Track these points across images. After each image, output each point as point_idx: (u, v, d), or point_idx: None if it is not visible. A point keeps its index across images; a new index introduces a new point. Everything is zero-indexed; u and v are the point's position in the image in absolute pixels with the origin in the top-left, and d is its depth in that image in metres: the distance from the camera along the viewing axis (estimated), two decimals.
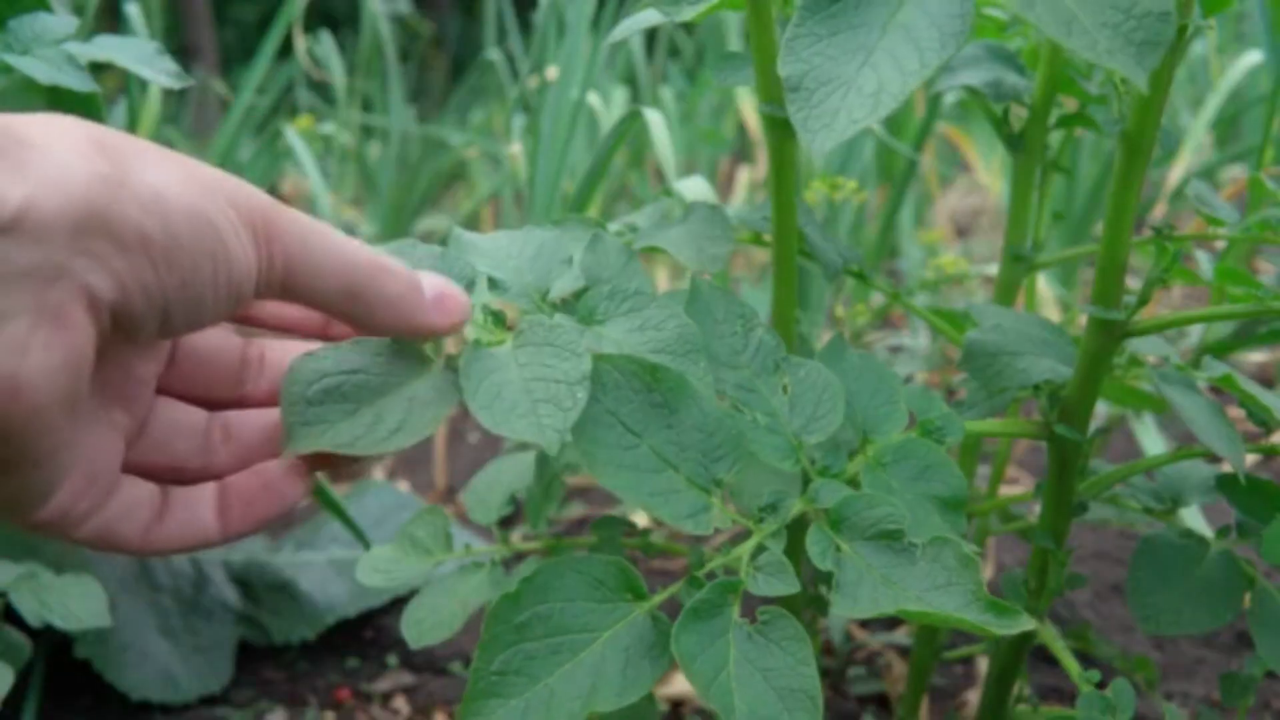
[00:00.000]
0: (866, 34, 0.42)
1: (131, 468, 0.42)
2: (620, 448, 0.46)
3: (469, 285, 0.48)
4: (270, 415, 0.44)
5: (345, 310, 0.41)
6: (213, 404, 0.45)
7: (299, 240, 0.39)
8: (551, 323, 0.46)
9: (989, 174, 2.15)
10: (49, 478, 0.36)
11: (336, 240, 0.40)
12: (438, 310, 0.43)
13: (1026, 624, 0.43)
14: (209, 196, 0.36)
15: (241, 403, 0.46)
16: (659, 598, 0.46)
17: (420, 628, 0.61)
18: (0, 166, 0.31)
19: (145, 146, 0.36)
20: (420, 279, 0.43)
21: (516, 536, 1.16)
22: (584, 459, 0.45)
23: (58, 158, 0.32)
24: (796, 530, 0.50)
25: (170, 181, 0.35)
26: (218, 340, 0.45)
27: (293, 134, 1.76)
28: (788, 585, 0.45)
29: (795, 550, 0.49)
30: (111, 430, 0.41)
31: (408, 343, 0.45)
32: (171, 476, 0.43)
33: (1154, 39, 0.40)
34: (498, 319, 0.47)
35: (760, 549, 0.47)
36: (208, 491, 0.43)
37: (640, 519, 1.13)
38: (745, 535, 0.48)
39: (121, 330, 0.35)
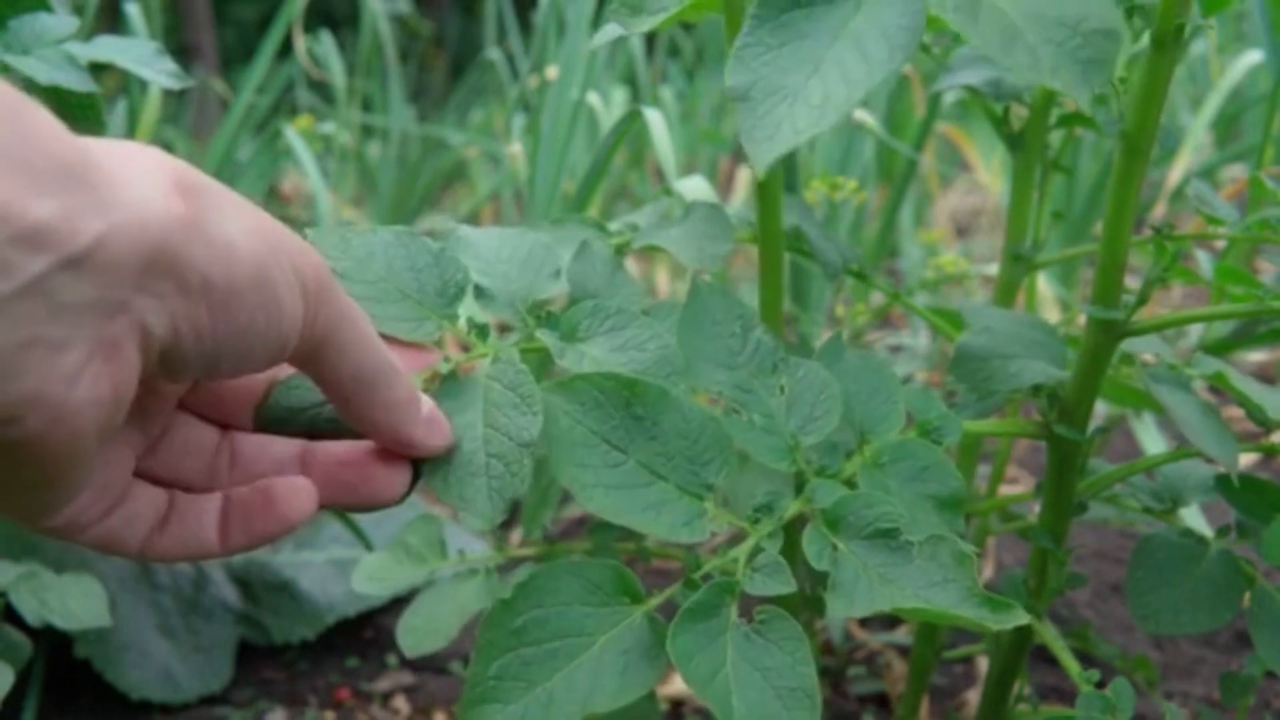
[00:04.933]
0: (815, 44, 0.41)
1: (143, 477, 0.42)
2: (607, 466, 0.46)
3: (459, 292, 0.48)
4: (281, 445, 0.44)
5: (350, 395, 0.41)
6: (226, 425, 0.45)
7: (339, 314, 0.39)
8: (520, 366, 0.46)
9: (989, 174, 2.15)
10: (67, 495, 0.36)
11: (368, 328, 0.41)
12: (429, 427, 0.43)
13: (1022, 618, 0.43)
14: (274, 253, 0.36)
15: (252, 430, 0.45)
16: (656, 600, 0.46)
17: (416, 635, 0.61)
18: (77, 199, 0.31)
19: (223, 192, 0.36)
20: (419, 395, 0.43)
21: (514, 538, 1.16)
22: (571, 485, 0.45)
23: (137, 195, 0.32)
24: (793, 531, 0.50)
25: (242, 232, 0.35)
26: None
27: (292, 134, 1.76)
28: (784, 585, 0.45)
29: (792, 551, 0.49)
30: (128, 444, 0.41)
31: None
32: (180, 489, 0.43)
33: (1099, 57, 0.40)
34: (482, 332, 0.47)
35: (757, 550, 0.47)
36: (212, 503, 0.43)
37: None
38: (739, 536, 0.48)
39: (167, 369, 0.35)
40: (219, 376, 0.37)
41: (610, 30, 0.56)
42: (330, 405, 0.44)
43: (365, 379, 0.40)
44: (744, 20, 0.43)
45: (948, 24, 0.41)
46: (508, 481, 0.42)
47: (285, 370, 0.45)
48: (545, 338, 0.49)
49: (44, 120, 0.31)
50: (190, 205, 0.34)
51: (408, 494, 0.44)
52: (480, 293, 0.49)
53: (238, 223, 0.35)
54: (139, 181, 0.33)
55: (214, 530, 0.42)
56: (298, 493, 0.42)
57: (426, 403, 0.43)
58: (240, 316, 0.35)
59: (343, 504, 0.43)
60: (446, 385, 0.45)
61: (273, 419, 0.44)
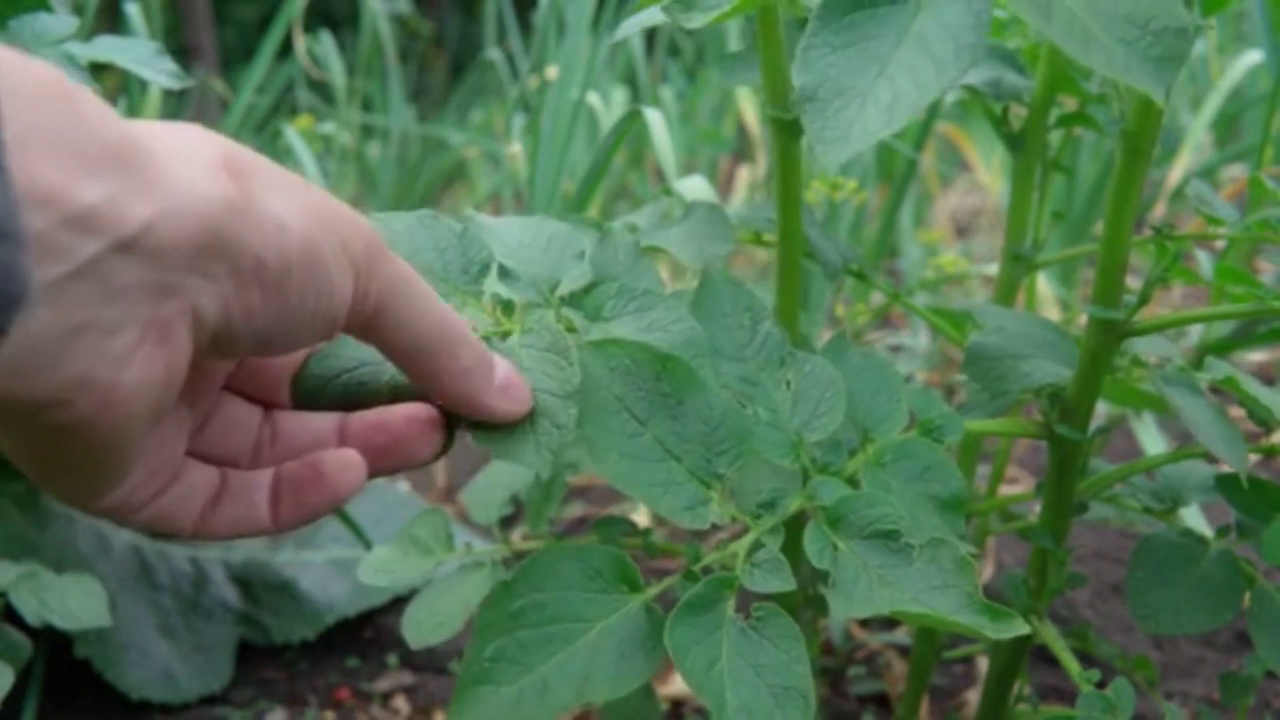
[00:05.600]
0: (881, 45, 0.42)
1: (194, 455, 0.42)
2: (625, 435, 0.46)
3: (483, 269, 0.48)
4: (317, 418, 0.44)
5: (416, 368, 0.41)
6: (269, 403, 0.45)
7: (393, 286, 0.39)
8: (555, 325, 0.46)
9: (989, 174, 2.15)
10: (119, 477, 0.37)
11: (427, 296, 0.40)
12: (503, 395, 0.42)
13: (1021, 627, 0.43)
14: (325, 230, 0.36)
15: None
16: (654, 590, 0.46)
17: (420, 628, 0.61)
18: (127, 182, 0.31)
19: (270, 169, 0.35)
20: (493, 360, 0.43)
21: (517, 536, 1.16)
22: (587, 445, 0.45)
23: (186, 177, 0.32)
24: (795, 528, 0.50)
25: (292, 212, 0.35)
26: None
27: (293, 133, 1.76)
28: (784, 582, 0.45)
29: (793, 548, 0.49)
30: (179, 425, 0.41)
31: None
32: (228, 467, 0.43)
33: (1171, 54, 0.40)
34: (506, 308, 0.47)
35: (757, 545, 0.47)
36: (263, 480, 0.42)
37: (641, 518, 1.13)
38: (743, 533, 0.48)
39: (219, 349, 0.35)
40: (270, 354, 0.37)
41: (632, 24, 0.56)
42: (364, 369, 0.44)
43: (426, 348, 0.40)
44: (809, 21, 0.43)
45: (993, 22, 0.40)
46: (553, 435, 0.42)
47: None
48: (571, 316, 0.48)
49: (93, 105, 0.31)
50: (240, 186, 0.34)
51: (444, 451, 0.43)
52: (504, 273, 0.49)
53: (288, 202, 0.35)
54: (188, 164, 0.33)
55: (265, 507, 0.42)
56: (348, 465, 0.42)
57: (502, 369, 0.43)
58: (291, 296, 0.35)
59: (389, 466, 0.43)
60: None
61: (307, 388, 0.44)
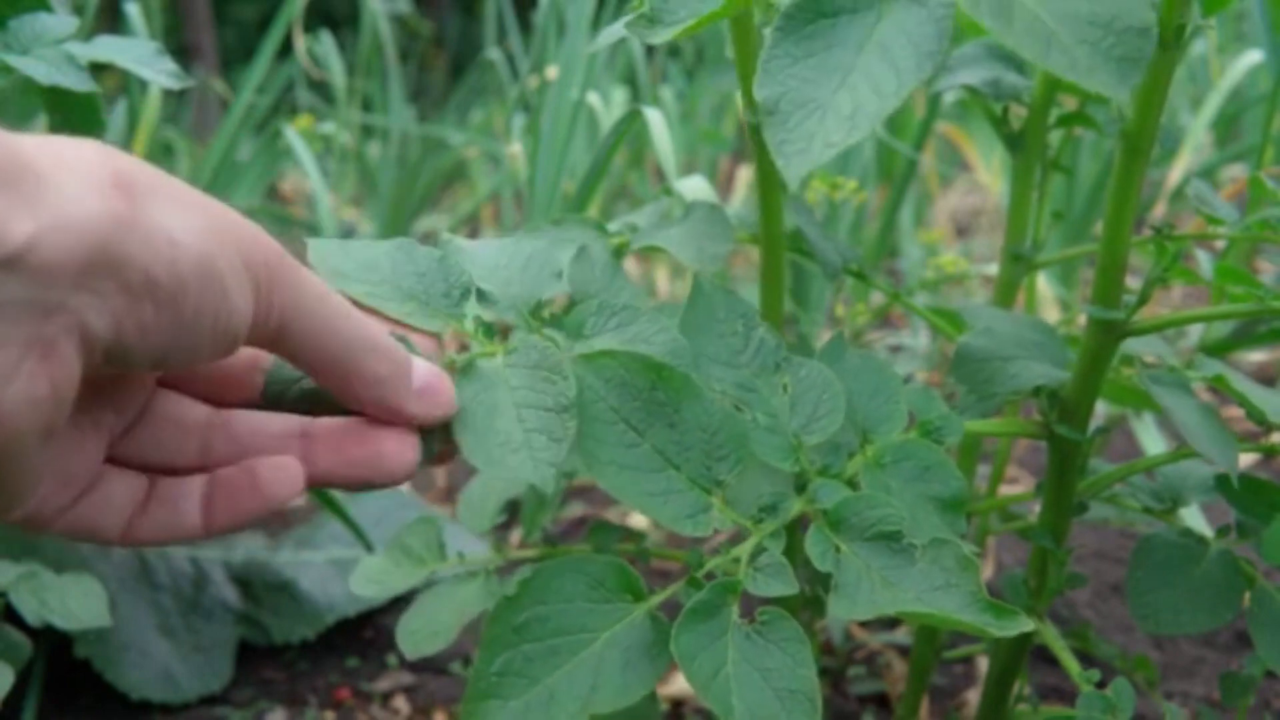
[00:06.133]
0: (842, 54, 0.41)
1: (121, 461, 0.42)
2: (623, 446, 0.46)
3: (465, 293, 0.47)
4: (278, 423, 0.43)
5: (328, 378, 0.41)
6: (217, 403, 0.44)
7: (298, 300, 0.38)
8: (543, 343, 0.46)
9: (989, 174, 2.15)
10: (15, 493, 0.36)
11: (335, 306, 0.40)
12: (422, 399, 0.42)
13: (1025, 625, 0.43)
14: (221, 245, 0.35)
15: (246, 405, 0.44)
16: (658, 598, 0.46)
17: (416, 638, 0.61)
18: (7, 198, 0.30)
19: (165, 184, 0.35)
20: (411, 365, 0.42)
21: (514, 539, 1.16)
22: (584, 458, 0.45)
23: (71, 192, 0.32)
24: (796, 531, 0.50)
25: (186, 227, 0.34)
26: None
27: (292, 133, 1.76)
28: (786, 586, 0.45)
29: (794, 551, 0.49)
30: (95, 432, 0.40)
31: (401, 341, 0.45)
32: (164, 470, 0.43)
33: (1134, 55, 0.40)
34: (488, 331, 0.47)
35: (759, 549, 0.47)
36: (195, 485, 0.42)
37: (639, 521, 1.13)
38: (744, 537, 0.48)
39: (113, 365, 0.35)
40: (169, 369, 0.37)
41: (612, 32, 0.56)
42: None
43: (338, 358, 0.40)
44: (771, 32, 0.42)
45: (983, 28, 0.40)
46: (551, 449, 0.42)
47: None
48: (552, 336, 0.48)
49: None
50: (130, 202, 0.33)
51: (420, 466, 0.42)
52: (482, 296, 0.49)
53: (183, 217, 0.35)
54: (73, 180, 0.32)
55: (197, 512, 0.41)
56: (283, 472, 0.41)
57: (421, 373, 0.42)
58: (186, 312, 0.35)
59: (350, 481, 0.42)
60: (467, 372, 0.45)
61: (271, 392, 0.44)
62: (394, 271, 0.47)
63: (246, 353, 0.44)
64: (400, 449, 0.42)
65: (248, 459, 0.42)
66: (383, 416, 0.42)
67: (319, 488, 0.43)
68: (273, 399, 0.44)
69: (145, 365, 0.36)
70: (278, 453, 0.42)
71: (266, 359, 0.44)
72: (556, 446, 0.42)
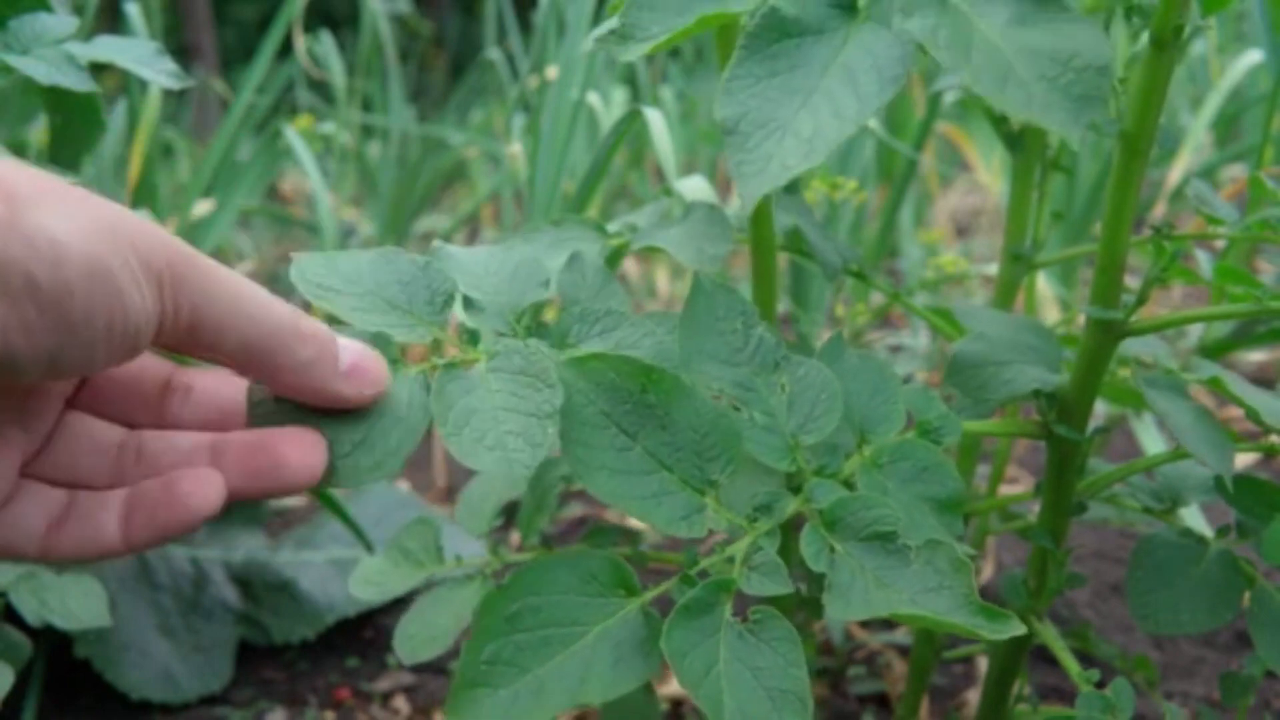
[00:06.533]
0: (806, 75, 0.41)
1: (37, 478, 0.42)
2: (614, 450, 0.46)
3: (448, 301, 0.48)
4: (188, 439, 0.43)
5: (253, 368, 0.40)
6: (131, 425, 0.44)
7: (209, 295, 0.38)
8: (527, 350, 0.46)
9: (989, 174, 2.15)
10: None
11: (250, 297, 0.39)
12: (350, 380, 0.42)
13: (1017, 628, 0.43)
14: (111, 244, 0.35)
15: (160, 426, 0.44)
16: (651, 594, 0.46)
17: (413, 643, 0.62)
18: None
19: (48, 188, 0.35)
20: (337, 345, 0.42)
21: (513, 540, 1.16)
22: (574, 465, 0.45)
23: None
24: (791, 531, 0.50)
25: (69, 228, 0.34)
26: (138, 364, 0.44)
27: (292, 133, 1.76)
28: (780, 585, 0.45)
29: (789, 551, 0.49)
30: (5, 450, 0.40)
31: (384, 341, 0.45)
32: (81, 487, 0.42)
33: (1092, 93, 0.39)
34: (473, 337, 0.47)
35: (754, 548, 0.47)
36: (113, 500, 0.42)
37: (635, 523, 1.13)
38: (739, 535, 0.48)
39: (4, 372, 0.35)
40: (66, 375, 0.36)
41: (591, 38, 0.56)
42: None
43: (258, 349, 0.40)
44: (734, 51, 0.42)
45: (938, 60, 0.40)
46: (527, 453, 0.42)
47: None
48: (537, 346, 0.49)
49: None
50: (8, 206, 0.33)
51: (329, 476, 0.42)
52: (469, 304, 0.49)
53: (66, 220, 0.34)
54: None
55: (115, 528, 0.41)
56: (204, 484, 0.41)
57: (349, 354, 0.42)
58: (75, 314, 0.34)
59: (260, 490, 0.42)
60: (449, 371, 0.45)
61: (259, 414, 0.43)
62: (377, 282, 0.47)
63: (159, 373, 0.44)
64: (302, 455, 0.42)
65: (163, 474, 0.42)
66: (315, 402, 0.42)
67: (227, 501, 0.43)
68: (261, 420, 0.43)
69: (38, 371, 0.35)
70: (189, 468, 0.42)
71: (181, 380, 0.44)
72: (533, 450, 0.42)
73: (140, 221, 0.37)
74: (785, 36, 0.42)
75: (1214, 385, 0.58)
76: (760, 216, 0.62)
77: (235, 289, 0.39)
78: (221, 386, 0.44)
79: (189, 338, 0.38)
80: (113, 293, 0.35)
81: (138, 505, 0.41)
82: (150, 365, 0.44)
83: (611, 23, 0.49)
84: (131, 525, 0.41)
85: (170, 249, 0.37)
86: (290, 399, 0.43)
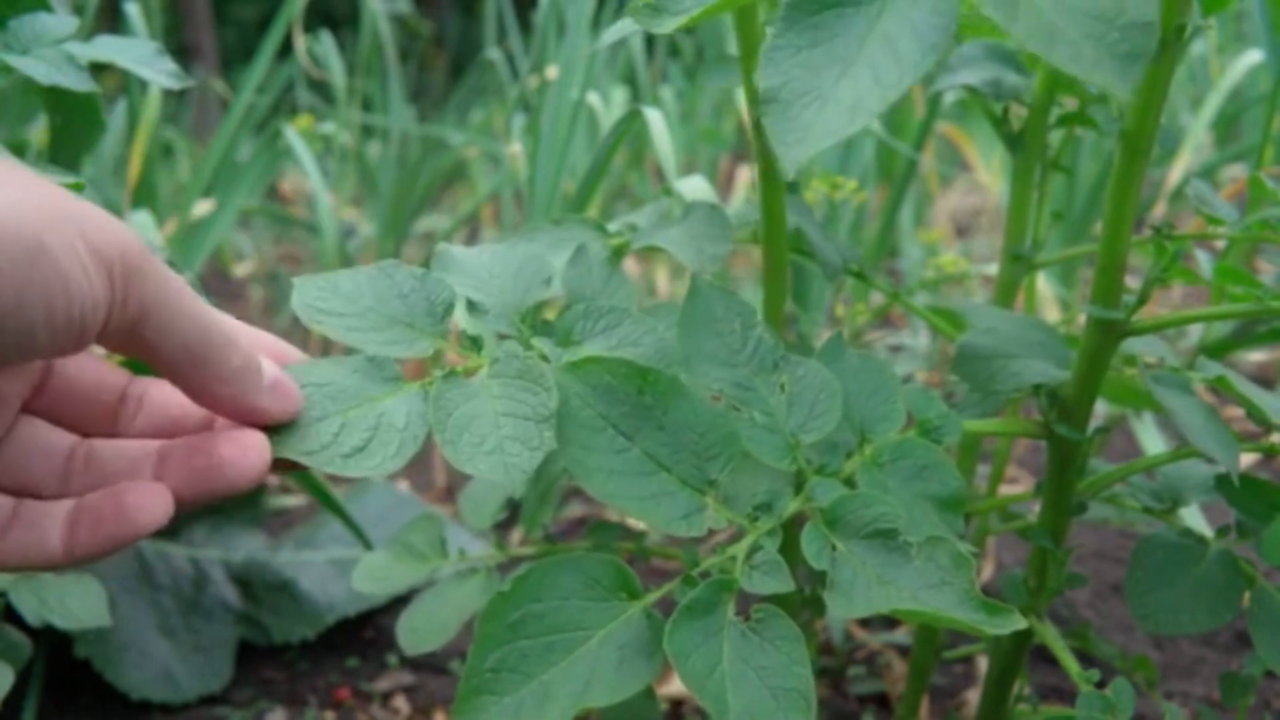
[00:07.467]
0: (846, 44, 0.41)
1: None
2: (612, 452, 0.46)
3: (449, 309, 0.48)
4: (136, 446, 0.43)
5: (184, 374, 0.40)
6: (84, 433, 0.44)
7: (156, 291, 0.38)
8: (525, 354, 0.46)
9: (989, 174, 2.15)
10: None
11: (193, 301, 0.39)
12: (272, 395, 0.42)
13: (1019, 623, 0.43)
14: (53, 225, 0.34)
15: (113, 435, 0.44)
16: (654, 595, 0.46)
17: (416, 635, 0.62)
18: None
19: None
20: (260, 362, 0.42)
21: (515, 537, 1.16)
22: (573, 466, 0.45)
23: None
24: (792, 530, 0.50)
25: (5, 206, 0.34)
26: (96, 373, 0.44)
27: (292, 133, 1.76)
28: (782, 584, 0.45)
29: (791, 550, 0.49)
30: None
31: (382, 361, 0.45)
32: (27, 495, 0.42)
33: (1138, 50, 0.40)
34: (475, 343, 0.47)
35: (755, 548, 0.47)
36: (58, 510, 0.41)
37: (637, 521, 1.13)
38: (741, 535, 0.48)
39: None
40: (6, 362, 0.36)
41: (619, 29, 0.56)
42: None
43: (194, 353, 0.40)
44: (774, 22, 0.42)
45: (984, 28, 0.40)
46: (524, 456, 0.42)
47: None
48: (541, 345, 0.49)
49: None
50: None
51: (267, 472, 0.42)
52: (473, 307, 0.49)
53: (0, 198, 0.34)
54: None
55: (58, 538, 0.41)
56: (151, 497, 0.40)
57: (270, 370, 0.42)
58: (8, 293, 0.34)
59: (205, 491, 0.42)
60: (449, 380, 0.45)
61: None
62: (378, 297, 0.47)
63: (117, 383, 0.44)
64: (241, 454, 0.41)
65: (108, 484, 0.42)
66: (237, 414, 0.42)
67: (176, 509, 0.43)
68: None
69: None
70: (136, 475, 0.42)
71: (135, 389, 0.44)
72: (530, 454, 0.42)
73: (97, 211, 0.36)
74: (825, 7, 0.42)
75: (1220, 384, 0.58)
76: (772, 214, 0.62)
77: (181, 291, 0.39)
78: (174, 394, 0.43)
79: (131, 333, 0.38)
80: (51, 276, 0.34)
81: (84, 516, 0.41)
82: (109, 375, 0.44)
83: None
84: (76, 535, 0.41)
85: (124, 241, 0.37)
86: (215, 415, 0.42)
